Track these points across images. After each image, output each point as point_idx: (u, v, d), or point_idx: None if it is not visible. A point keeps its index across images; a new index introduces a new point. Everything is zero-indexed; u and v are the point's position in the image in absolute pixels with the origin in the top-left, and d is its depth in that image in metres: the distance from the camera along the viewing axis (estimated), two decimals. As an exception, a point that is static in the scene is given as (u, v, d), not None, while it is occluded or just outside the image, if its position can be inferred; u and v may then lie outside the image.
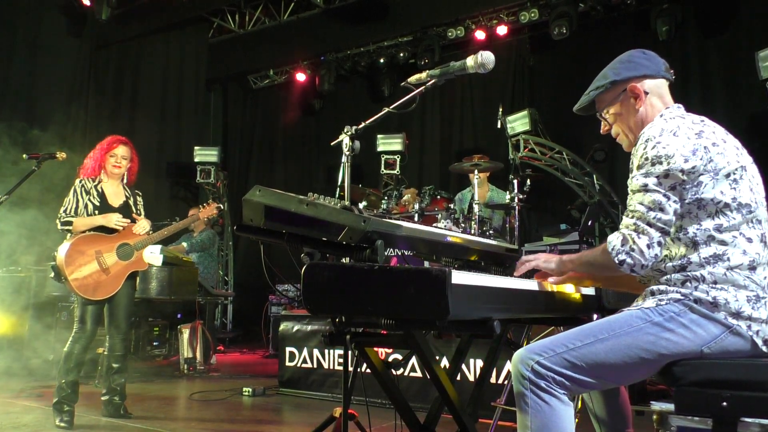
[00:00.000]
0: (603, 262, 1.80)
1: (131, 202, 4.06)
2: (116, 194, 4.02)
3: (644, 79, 1.92)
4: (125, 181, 4.10)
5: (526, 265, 2.00)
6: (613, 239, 1.76)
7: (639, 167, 1.76)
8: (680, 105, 1.93)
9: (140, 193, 4.17)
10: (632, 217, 1.75)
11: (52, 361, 5.86)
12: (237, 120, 10.85)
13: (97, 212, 3.86)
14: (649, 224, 1.71)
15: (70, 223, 3.81)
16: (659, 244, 1.72)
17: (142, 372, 5.97)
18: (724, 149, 1.76)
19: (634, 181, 1.77)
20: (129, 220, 3.94)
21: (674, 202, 1.72)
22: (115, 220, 3.86)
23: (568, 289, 2.07)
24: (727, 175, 1.73)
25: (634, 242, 1.71)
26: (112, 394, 3.95)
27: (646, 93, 1.91)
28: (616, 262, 1.73)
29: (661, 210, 1.71)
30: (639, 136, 1.85)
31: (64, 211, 3.84)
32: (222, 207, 4.40)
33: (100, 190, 3.95)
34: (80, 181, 3.93)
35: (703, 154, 1.72)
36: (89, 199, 3.88)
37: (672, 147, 1.72)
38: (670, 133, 1.75)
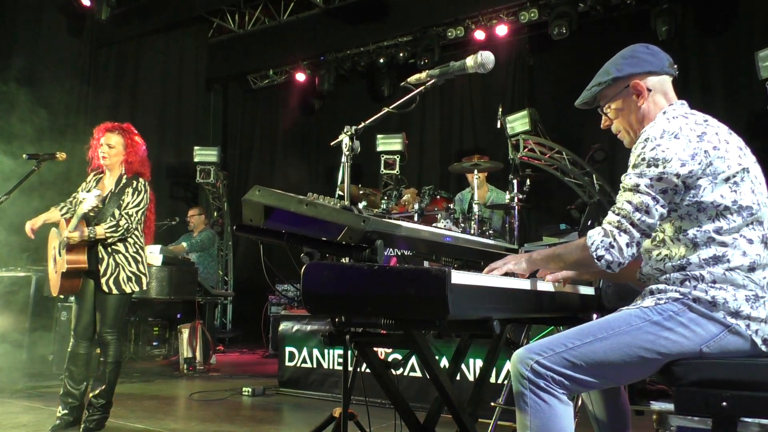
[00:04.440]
0: (578, 258, 1.80)
1: (114, 192, 3.64)
2: (107, 187, 3.70)
3: (648, 75, 1.90)
4: (123, 171, 3.69)
5: (495, 271, 1.92)
6: (594, 234, 1.75)
7: (635, 166, 1.76)
8: (684, 102, 1.91)
9: (136, 183, 3.64)
10: (617, 214, 1.75)
11: (52, 361, 5.86)
12: (237, 120, 10.84)
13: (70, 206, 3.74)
14: (633, 224, 1.72)
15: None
16: (638, 244, 1.73)
17: (141, 372, 5.97)
18: (727, 151, 1.74)
19: (627, 179, 1.77)
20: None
21: (662, 206, 1.72)
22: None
23: (567, 288, 2.07)
24: (727, 179, 1.72)
25: (614, 239, 1.72)
26: (91, 413, 3.52)
27: (649, 90, 1.89)
28: (594, 257, 1.73)
29: (647, 213, 1.71)
30: (640, 133, 1.84)
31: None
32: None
33: (94, 183, 3.72)
34: (87, 180, 3.80)
35: (702, 158, 1.71)
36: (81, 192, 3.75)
37: (671, 151, 1.71)
38: (671, 135, 1.74)
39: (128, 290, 3.59)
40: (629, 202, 1.74)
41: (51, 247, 3.74)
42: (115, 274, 3.56)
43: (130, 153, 3.70)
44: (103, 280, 3.52)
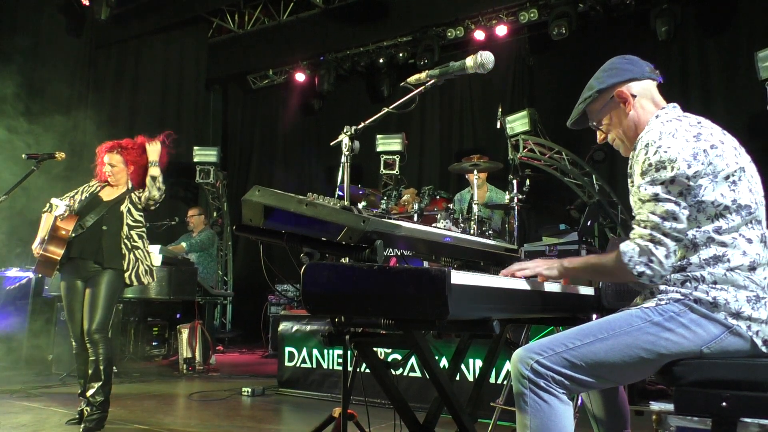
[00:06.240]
0: (616, 271, 1.78)
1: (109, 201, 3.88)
2: (105, 197, 3.90)
3: (630, 82, 1.92)
4: (130, 186, 3.92)
5: (525, 272, 1.91)
6: (629, 250, 1.72)
7: (643, 174, 1.74)
8: (675, 105, 1.92)
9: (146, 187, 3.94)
10: (646, 227, 1.72)
11: (52, 360, 5.86)
12: (237, 120, 10.84)
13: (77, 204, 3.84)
14: (665, 234, 1.70)
15: (50, 207, 3.85)
16: (675, 253, 1.72)
17: (141, 372, 5.97)
18: (723, 151, 1.75)
19: (642, 190, 1.74)
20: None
21: (685, 208, 1.71)
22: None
23: (567, 289, 2.07)
24: (726, 177, 1.72)
25: (652, 253, 1.70)
26: (90, 411, 3.57)
27: (634, 96, 1.91)
28: (635, 273, 1.71)
29: (675, 219, 1.69)
30: (637, 140, 1.84)
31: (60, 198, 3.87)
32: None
33: (97, 190, 3.91)
34: (90, 183, 3.99)
35: (702, 158, 1.71)
36: (83, 193, 3.90)
37: (674, 150, 1.70)
38: (669, 135, 1.74)
39: (146, 282, 3.87)
40: (653, 213, 1.71)
41: (47, 224, 3.81)
42: (135, 268, 3.83)
43: (133, 171, 3.97)
44: (126, 275, 3.79)
